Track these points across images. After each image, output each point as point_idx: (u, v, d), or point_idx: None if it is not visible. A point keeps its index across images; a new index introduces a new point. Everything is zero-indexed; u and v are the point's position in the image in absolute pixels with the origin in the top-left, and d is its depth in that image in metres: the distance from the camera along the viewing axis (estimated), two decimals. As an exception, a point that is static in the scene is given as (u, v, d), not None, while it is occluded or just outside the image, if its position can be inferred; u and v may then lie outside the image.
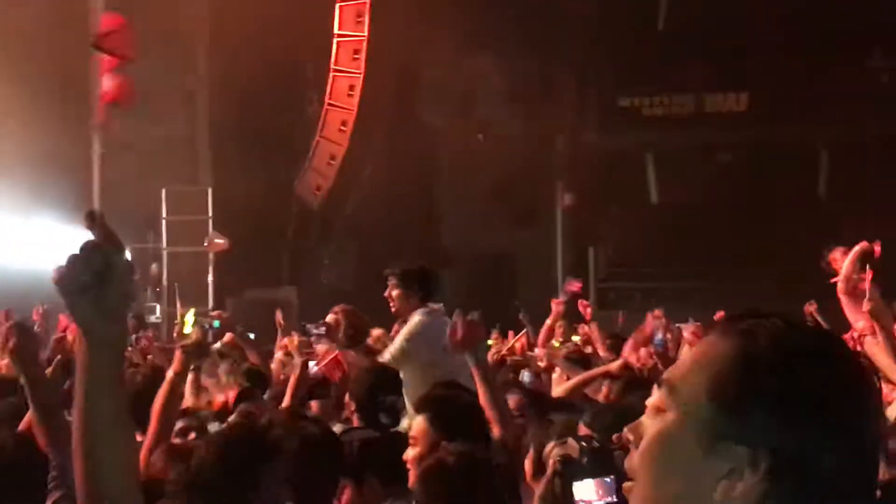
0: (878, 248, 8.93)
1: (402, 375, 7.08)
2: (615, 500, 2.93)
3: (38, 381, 4.65)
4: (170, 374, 5.45)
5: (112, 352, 2.14)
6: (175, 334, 12.76)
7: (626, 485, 1.71)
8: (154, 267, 19.30)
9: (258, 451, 4.20)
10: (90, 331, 2.10)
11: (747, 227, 24.44)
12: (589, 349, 10.92)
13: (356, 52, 24.32)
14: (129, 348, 10.57)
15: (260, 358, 9.30)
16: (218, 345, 9.73)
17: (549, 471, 2.68)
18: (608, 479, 2.95)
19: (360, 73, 24.30)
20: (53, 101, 16.74)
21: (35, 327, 12.30)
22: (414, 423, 4.86)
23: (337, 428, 5.83)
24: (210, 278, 19.58)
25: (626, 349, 10.08)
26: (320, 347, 8.81)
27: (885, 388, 7.25)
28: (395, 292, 8.07)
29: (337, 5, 24.25)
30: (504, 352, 11.21)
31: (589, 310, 12.26)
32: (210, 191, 20.14)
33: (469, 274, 23.04)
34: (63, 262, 2.05)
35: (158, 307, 18.14)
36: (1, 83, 15.68)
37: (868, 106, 25.10)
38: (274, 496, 4.12)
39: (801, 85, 25.53)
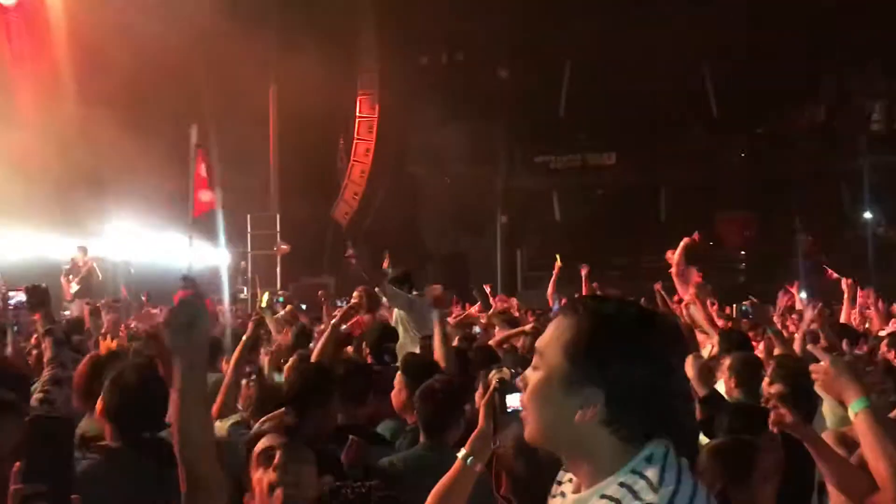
0: (696, 237, 9.00)
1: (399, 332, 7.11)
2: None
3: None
4: (244, 338, 5.29)
5: (196, 370, 2.05)
6: (257, 306, 12.70)
7: (522, 414, 1.70)
8: (242, 263, 19.18)
9: (325, 375, 4.19)
10: (183, 356, 2.02)
11: (616, 237, 24.26)
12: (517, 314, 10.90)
13: (370, 127, 24.33)
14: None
15: (308, 321, 8.94)
16: (282, 312, 9.82)
17: (491, 387, 2.73)
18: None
19: (372, 140, 24.32)
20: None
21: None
22: (396, 377, 4.66)
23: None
24: (278, 270, 19.41)
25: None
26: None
27: (701, 336, 7.36)
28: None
29: (358, 98, 24.28)
30: (463, 316, 11.20)
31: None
32: (278, 216, 20.07)
33: (441, 266, 22.84)
34: (169, 307, 2.02)
35: (246, 289, 18.04)
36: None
37: (689, 160, 25.18)
38: (334, 405, 4.09)
39: (650, 147, 25.59)
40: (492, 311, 10.93)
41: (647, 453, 1.56)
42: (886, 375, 4.49)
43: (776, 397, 4.29)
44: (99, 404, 3.34)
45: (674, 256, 9.15)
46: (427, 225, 25.87)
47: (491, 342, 7.43)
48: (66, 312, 13.24)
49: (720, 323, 7.53)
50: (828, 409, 4.56)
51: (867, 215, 24.77)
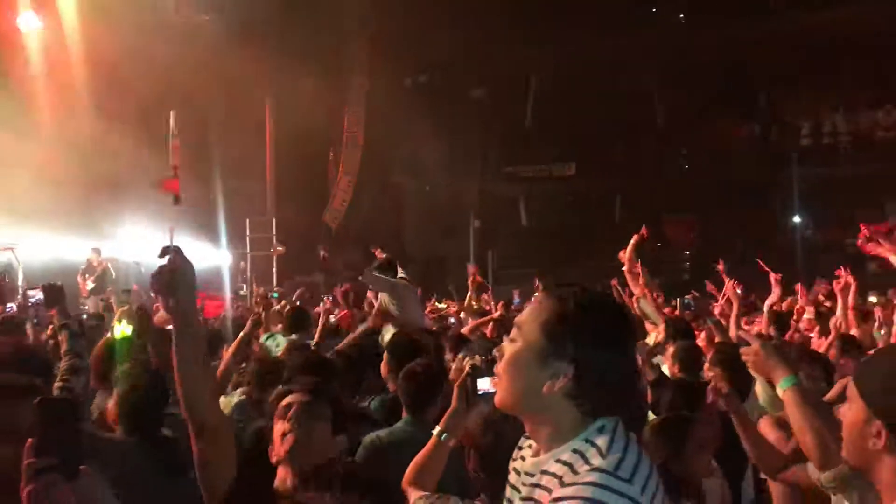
0: (644, 232, 9.02)
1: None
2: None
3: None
4: (242, 334, 5.27)
5: (189, 325, 2.01)
6: (254, 301, 12.66)
7: (494, 380, 1.73)
8: (242, 263, 19.05)
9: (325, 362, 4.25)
10: (170, 309, 2.01)
11: (577, 239, 24.37)
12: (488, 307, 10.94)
13: (357, 140, 24.24)
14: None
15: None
16: (277, 306, 9.80)
17: (464, 372, 2.73)
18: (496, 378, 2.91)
19: (359, 153, 24.23)
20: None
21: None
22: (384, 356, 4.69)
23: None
24: (274, 269, 19.34)
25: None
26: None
27: (649, 326, 7.39)
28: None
29: (346, 114, 24.16)
30: (440, 311, 11.24)
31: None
32: (274, 220, 19.98)
33: (421, 267, 22.88)
34: (153, 272, 1.98)
35: (245, 286, 17.96)
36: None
37: (640, 170, 25.37)
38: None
39: (604, 158, 25.72)
40: (466, 304, 11.00)
41: (599, 425, 1.59)
42: (815, 363, 4.52)
43: (715, 380, 4.35)
44: (111, 408, 3.33)
45: (625, 255, 9.18)
46: (409, 229, 25.84)
47: (464, 330, 7.43)
48: (85, 307, 13.18)
49: (666, 311, 7.61)
50: (759, 388, 4.61)
51: (796, 220, 25.10)
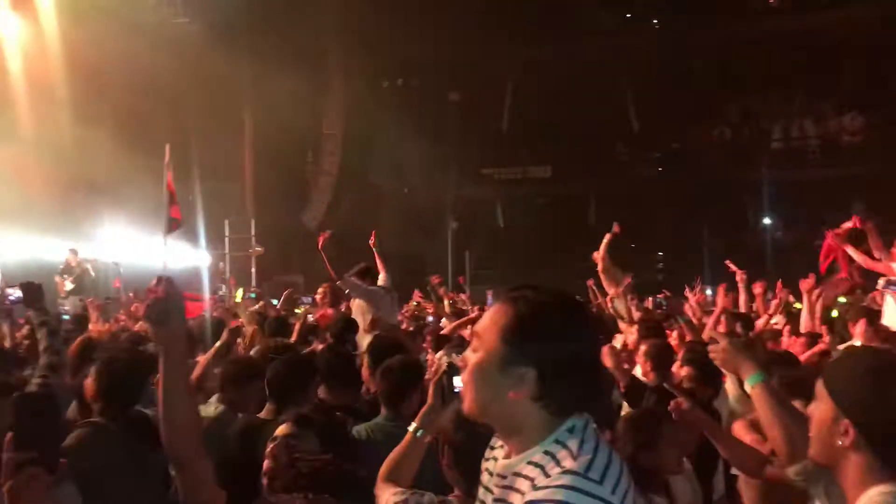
0: (616, 229, 9.08)
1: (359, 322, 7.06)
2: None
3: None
4: (218, 344, 5.22)
5: (175, 358, 2.03)
6: (232, 301, 12.62)
7: (461, 390, 1.69)
8: (221, 264, 18.96)
9: (308, 364, 4.19)
10: (160, 339, 2.02)
11: (551, 239, 24.45)
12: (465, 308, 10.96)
13: (336, 142, 24.19)
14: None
15: (277, 314, 8.98)
16: (256, 306, 9.76)
17: (441, 370, 2.72)
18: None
19: (338, 155, 24.19)
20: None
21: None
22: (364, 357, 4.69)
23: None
24: (253, 270, 19.30)
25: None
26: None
27: (623, 325, 7.41)
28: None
29: (325, 115, 24.06)
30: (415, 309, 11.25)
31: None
32: (253, 221, 19.91)
33: (400, 266, 22.84)
34: (147, 302, 1.99)
35: (224, 286, 17.88)
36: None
37: (613, 172, 25.52)
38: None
39: (579, 161, 25.80)
40: (442, 309, 11.03)
41: (570, 425, 1.57)
42: (788, 366, 4.54)
43: (687, 379, 4.37)
44: (88, 385, 3.31)
45: (598, 255, 9.22)
46: (387, 230, 25.69)
47: (444, 331, 7.51)
48: (64, 307, 13.03)
49: (637, 315, 7.66)
50: (729, 386, 4.64)
51: (767, 221, 25.35)
